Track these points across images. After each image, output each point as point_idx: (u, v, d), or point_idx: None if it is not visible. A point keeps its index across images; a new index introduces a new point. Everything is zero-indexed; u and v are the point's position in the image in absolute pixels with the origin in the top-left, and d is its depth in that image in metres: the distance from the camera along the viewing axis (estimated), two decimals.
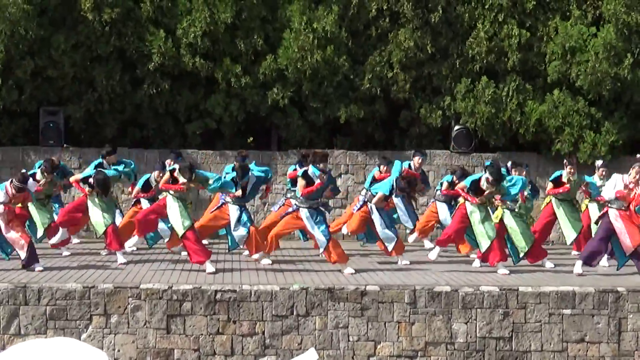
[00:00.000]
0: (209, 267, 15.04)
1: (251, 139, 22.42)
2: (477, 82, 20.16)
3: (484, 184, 15.36)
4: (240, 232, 15.96)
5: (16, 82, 19.83)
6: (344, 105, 20.31)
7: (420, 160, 17.63)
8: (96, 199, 16.13)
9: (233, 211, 16.06)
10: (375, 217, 16.11)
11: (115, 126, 20.53)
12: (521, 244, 15.65)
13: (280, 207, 17.06)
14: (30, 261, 15.00)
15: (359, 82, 20.35)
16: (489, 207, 15.70)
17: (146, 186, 17.22)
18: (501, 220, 15.72)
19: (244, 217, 16.01)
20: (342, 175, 20.25)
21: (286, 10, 20.32)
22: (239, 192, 16.04)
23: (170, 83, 20.18)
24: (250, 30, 20.22)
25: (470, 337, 13.92)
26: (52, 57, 19.80)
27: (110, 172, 16.64)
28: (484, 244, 15.36)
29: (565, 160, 17.06)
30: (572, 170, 16.71)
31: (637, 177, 15.03)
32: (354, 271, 15.16)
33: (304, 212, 15.31)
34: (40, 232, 16.77)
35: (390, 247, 16.07)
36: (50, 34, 19.78)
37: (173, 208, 15.36)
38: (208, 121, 20.48)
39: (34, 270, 14.84)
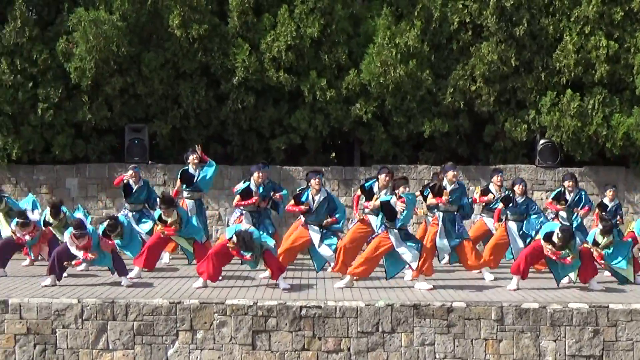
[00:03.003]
0: (199, 282, 15.21)
1: (333, 154, 22.45)
2: (562, 95, 19.88)
3: (554, 238, 15.00)
4: (325, 250, 15.97)
5: (105, 99, 20.12)
6: (427, 119, 20.22)
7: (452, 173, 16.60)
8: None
9: (314, 231, 16.12)
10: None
11: (200, 142, 20.66)
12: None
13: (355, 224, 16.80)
14: None
15: (441, 96, 20.25)
16: None
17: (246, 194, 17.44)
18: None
19: (327, 235, 16.05)
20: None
21: (369, 25, 20.30)
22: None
23: (254, 98, 20.28)
24: (335, 45, 20.25)
25: (559, 355, 13.71)
26: (142, 74, 20.06)
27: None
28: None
29: None
30: None
31: None
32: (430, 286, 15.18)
33: (393, 233, 15.18)
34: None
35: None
36: (139, 51, 20.04)
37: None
38: (292, 136, 20.53)
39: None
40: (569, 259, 14.89)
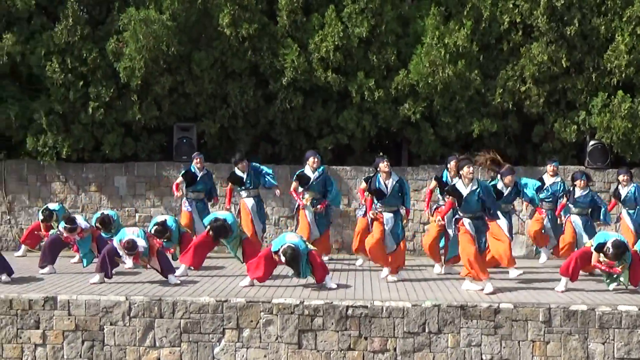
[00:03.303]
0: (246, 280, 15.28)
1: (381, 154, 22.36)
2: (613, 97, 19.67)
3: (607, 250, 14.79)
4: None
5: (154, 98, 20.25)
6: (476, 119, 20.11)
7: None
8: None
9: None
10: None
11: (248, 142, 20.75)
12: None
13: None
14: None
15: (490, 96, 20.13)
16: None
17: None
18: None
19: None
20: None
21: (418, 25, 20.24)
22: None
23: (302, 98, 20.31)
24: (384, 45, 20.20)
25: (608, 358, 13.56)
26: (192, 73, 20.16)
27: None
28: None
29: None
30: None
31: None
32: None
33: (467, 221, 15.06)
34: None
35: None
36: (189, 50, 20.13)
37: None
38: (340, 136, 20.51)
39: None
40: (619, 268, 14.71)
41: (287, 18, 20.18)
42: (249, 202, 18.23)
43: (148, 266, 15.56)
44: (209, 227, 16.35)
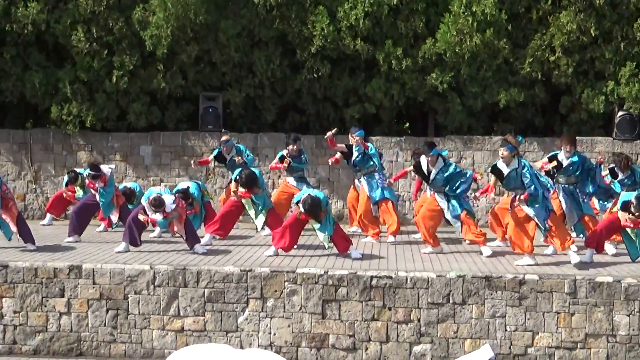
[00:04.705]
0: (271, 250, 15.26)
1: (407, 124, 22.29)
2: None
3: (632, 207, 14.60)
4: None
5: (180, 67, 20.20)
6: (503, 89, 19.93)
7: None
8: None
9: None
10: None
11: (274, 111, 20.69)
12: None
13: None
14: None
15: (519, 66, 19.95)
16: None
17: None
18: None
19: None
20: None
21: None
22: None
23: (329, 67, 20.19)
24: (412, 13, 20.03)
25: (633, 329, 13.46)
26: (218, 42, 20.07)
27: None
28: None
29: None
30: None
31: None
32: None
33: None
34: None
35: None
36: (216, 18, 20.01)
37: None
38: (367, 105, 20.39)
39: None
40: None
41: None
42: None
43: (175, 232, 15.55)
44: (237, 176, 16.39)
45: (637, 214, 14.32)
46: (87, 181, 16.91)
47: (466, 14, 19.52)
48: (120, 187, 18.10)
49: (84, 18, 19.87)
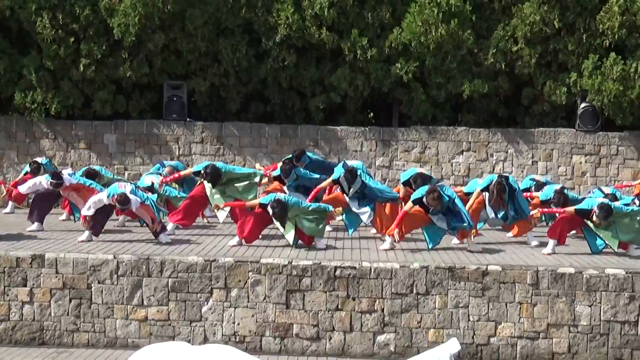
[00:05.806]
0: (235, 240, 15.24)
1: (372, 114, 22.33)
2: (605, 59, 19.59)
3: (593, 217, 14.78)
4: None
5: (146, 56, 20.13)
6: (467, 80, 20.02)
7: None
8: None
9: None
10: None
11: (239, 100, 20.67)
12: None
13: None
14: None
15: (483, 56, 20.05)
16: None
17: None
18: None
19: None
20: (464, 153, 20.04)
21: None
22: None
23: (295, 57, 20.18)
24: (378, 3, 20.06)
25: (594, 320, 13.61)
26: (185, 31, 20.00)
27: None
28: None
29: None
30: None
31: None
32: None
33: None
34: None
35: None
36: (183, 7, 19.93)
37: None
38: (332, 95, 20.41)
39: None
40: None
41: None
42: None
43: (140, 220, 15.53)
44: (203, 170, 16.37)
45: (597, 222, 14.53)
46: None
47: (432, 4, 19.59)
48: (84, 169, 17.92)
49: (50, 4, 19.71)
